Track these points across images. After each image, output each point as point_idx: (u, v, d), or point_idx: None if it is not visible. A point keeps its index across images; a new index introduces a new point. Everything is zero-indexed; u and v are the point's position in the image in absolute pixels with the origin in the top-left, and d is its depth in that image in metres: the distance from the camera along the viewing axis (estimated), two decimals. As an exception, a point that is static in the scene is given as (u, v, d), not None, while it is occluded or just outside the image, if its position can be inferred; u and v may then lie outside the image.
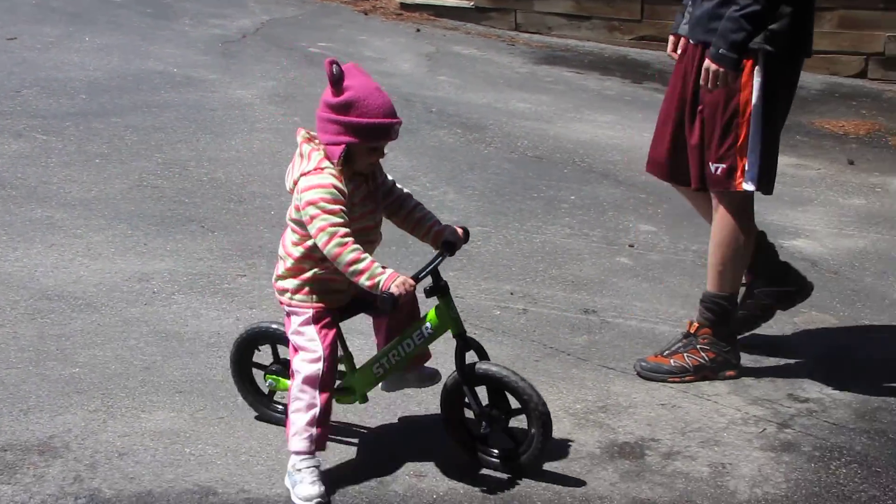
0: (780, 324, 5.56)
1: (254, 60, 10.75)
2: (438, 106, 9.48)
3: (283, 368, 4.38)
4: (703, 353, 5.01)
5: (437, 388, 4.30)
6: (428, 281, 4.05)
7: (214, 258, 6.12)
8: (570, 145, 8.48)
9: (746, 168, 4.85)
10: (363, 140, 3.91)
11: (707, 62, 4.68)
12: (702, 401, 4.83)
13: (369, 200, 4.08)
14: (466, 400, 4.13)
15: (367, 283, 3.83)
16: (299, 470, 3.98)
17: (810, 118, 9.45)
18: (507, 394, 4.11)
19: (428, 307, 4.16)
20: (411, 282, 3.85)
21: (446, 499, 4.02)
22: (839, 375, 5.14)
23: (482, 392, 4.15)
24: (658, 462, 4.33)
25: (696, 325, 5.08)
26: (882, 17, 9.95)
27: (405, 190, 4.29)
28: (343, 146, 3.88)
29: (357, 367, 4.31)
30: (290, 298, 4.08)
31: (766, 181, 4.93)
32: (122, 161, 7.58)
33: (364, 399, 4.33)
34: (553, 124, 9.03)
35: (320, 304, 4.07)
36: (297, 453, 4.00)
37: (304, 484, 3.95)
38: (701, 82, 4.78)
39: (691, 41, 4.97)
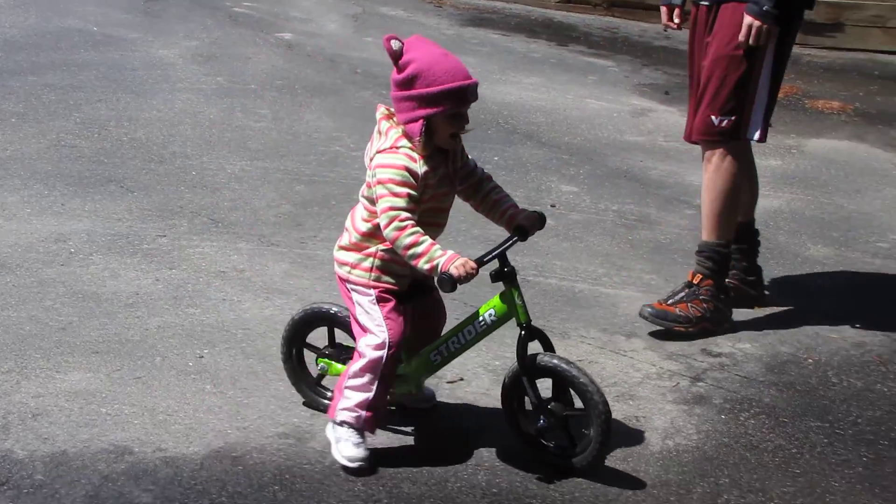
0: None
1: (177, 20, 10.72)
2: (364, 67, 9.50)
3: (336, 352, 4.30)
4: (704, 305, 5.15)
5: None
6: (494, 265, 3.95)
7: (133, 218, 6.12)
8: (495, 107, 8.53)
9: (753, 119, 5.09)
10: (439, 108, 3.75)
11: (749, 19, 4.84)
12: (618, 356, 4.91)
13: (445, 182, 3.93)
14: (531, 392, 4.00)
15: (426, 267, 3.73)
16: (344, 427, 3.97)
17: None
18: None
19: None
20: (472, 264, 3.73)
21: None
22: (751, 331, 5.24)
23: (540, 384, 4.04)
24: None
25: (698, 275, 5.20)
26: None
27: (486, 172, 4.16)
28: (422, 121, 3.75)
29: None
30: (349, 272, 3.98)
31: (766, 130, 5.20)
32: (39, 120, 7.58)
33: (418, 388, 4.25)
34: (479, 86, 9.03)
35: (380, 284, 3.96)
36: (343, 423, 3.97)
37: (348, 443, 3.94)
38: (741, 38, 4.91)
39: (704, 3, 5.14)
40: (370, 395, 3.91)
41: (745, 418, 4.48)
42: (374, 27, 11.08)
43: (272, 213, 6.29)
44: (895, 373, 4.94)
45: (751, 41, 4.89)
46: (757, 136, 5.19)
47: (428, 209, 3.89)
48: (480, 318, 4.03)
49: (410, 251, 3.72)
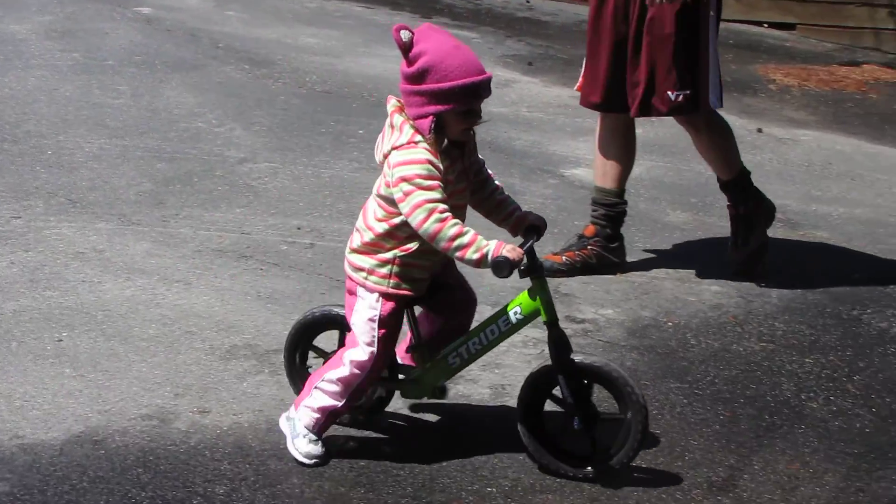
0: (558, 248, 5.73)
1: (29, -7, 10.51)
2: (226, 41, 9.42)
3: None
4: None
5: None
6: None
7: (-14, 200, 5.98)
8: (359, 80, 8.51)
9: (711, 88, 5.27)
10: (451, 105, 3.62)
11: None
12: (484, 323, 4.93)
13: (462, 177, 3.81)
14: (558, 393, 3.88)
15: (475, 257, 3.59)
16: (300, 423, 3.88)
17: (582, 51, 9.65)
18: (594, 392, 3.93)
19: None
20: (520, 249, 3.63)
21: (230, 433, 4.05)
22: (613, 297, 5.34)
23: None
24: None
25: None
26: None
27: (488, 172, 4.00)
28: (431, 117, 3.60)
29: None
30: (365, 278, 3.80)
31: (722, 95, 5.43)
32: None
33: (431, 394, 4.05)
34: (342, 59, 9.04)
35: (398, 292, 3.80)
36: (308, 427, 3.88)
37: (305, 440, 3.86)
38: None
39: None
40: (337, 404, 3.83)
41: (609, 383, 4.55)
42: (235, 1, 10.95)
43: (132, 191, 6.19)
44: (750, 333, 5.10)
45: (658, 7, 5.08)
46: (718, 104, 5.40)
47: (451, 206, 3.68)
48: (505, 317, 3.89)
49: (455, 242, 3.58)
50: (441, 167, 3.63)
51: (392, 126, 3.73)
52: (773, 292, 5.48)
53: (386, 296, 3.77)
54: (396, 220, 3.69)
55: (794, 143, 6.22)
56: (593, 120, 7.81)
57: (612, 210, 5.59)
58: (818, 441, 4.26)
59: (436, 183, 3.60)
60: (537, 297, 3.80)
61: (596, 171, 5.69)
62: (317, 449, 3.87)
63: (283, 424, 3.92)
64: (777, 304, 5.38)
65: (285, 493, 3.72)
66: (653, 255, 5.86)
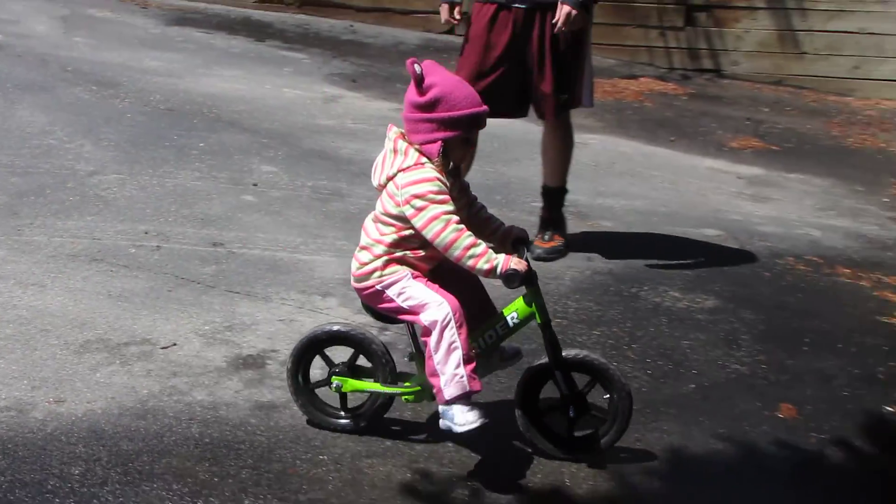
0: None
1: None
2: (74, 65, 9.16)
3: (347, 369, 4.00)
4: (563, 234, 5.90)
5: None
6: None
7: None
8: (200, 98, 8.40)
9: (584, 92, 5.67)
10: (457, 132, 3.67)
11: (568, 9, 5.20)
12: (315, 314, 4.95)
13: (462, 196, 3.84)
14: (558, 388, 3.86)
15: (486, 267, 3.61)
16: (452, 407, 3.70)
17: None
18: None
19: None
20: (525, 262, 3.68)
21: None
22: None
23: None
24: (278, 370, 4.41)
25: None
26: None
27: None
28: (440, 143, 3.64)
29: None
30: (381, 276, 3.75)
31: (592, 98, 5.90)
32: None
33: (431, 397, 3.88)
34: (183, 79, 8.92)
35: (409, 269, 3.77)
36: (454, 400, 3.68)
37: (459, 414, 3.69)
38: (560, 24, 5.26)
39: (521, 6, 5.39)
40: (459, 350, 3.66)
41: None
42: (82, 28, 10.72)
43: (-12, 204, 6.02)
44: (551, 309, 5.08)
45: (567, 27, 5.26)
46: (590, 103, 5.82)
47: None
48: (502, 322, 3.86)
49: (470, 251, 3.60)
50: (448, 185, 3.66)
51: (396, 151, 3.71)
52: (567, 275, 5.57)
53: (409, 273, 3.75)
54: (406, 233, 3.69)
55: (583, 145, 6.34)
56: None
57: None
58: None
59: (447, 197, 3.62)
60: (532, 303, 3.80)
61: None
62: (474, 414, 3.70)
63: (443, 423, 3.75)
64: (569, 286, 5.48)
65: (136, 470, 3.68)
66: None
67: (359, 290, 3.86)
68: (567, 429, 3.93)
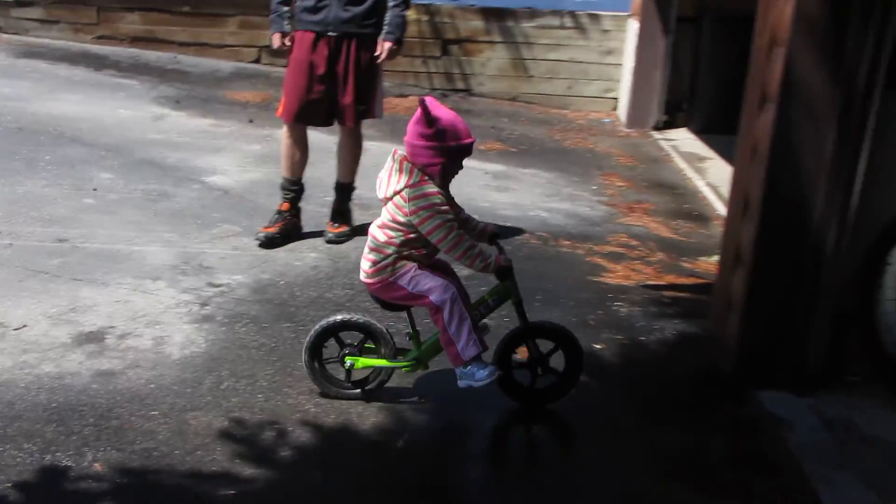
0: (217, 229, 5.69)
1: None
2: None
3: (356, 349, 4.00)
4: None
5: None
6: None
7: None
8: (46, 118, 8.06)
9: (377, 105, 5.81)
10: (456, 158, 3.74)
11: (389, 45, 5.50)
12: (147, 295, 4.86)
13: (453, 205, 3.84)
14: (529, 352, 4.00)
15: (482, 265, 3.74)
16: (468, 365, 3.80)
17: (224, 92, 9.58)
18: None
19: None
20: (508, 260, 3.83)
21: None
22: (241, 266, 5.32)
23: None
24: (115, 342, 4.34)
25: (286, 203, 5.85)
26: (265, 21, 10.31)
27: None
28: (440, 165, 3.69)
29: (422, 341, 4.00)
30: (393, 270, 3.80)
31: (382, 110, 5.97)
32: None
33: (426, 367, 4.04)
34: (31, 103, 8.54)
35: (414, 262, 3.82)
36: (473, 359, 3.78)
37: (480, 371, 3.79)
38: (384, 56, 5.55)
39: (333, 34, 5.50)
40: (468, 321, 3.77)
41: (239, 327, 4.59)
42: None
43: None
44: (337, 284, 5.22)
45: (388, 58, 5.55)
46: (381, 115, 5.91)
47: None
48: (484, 304, 3.93)
49: (469, 252, 3.71)
50: (446, 198, 3.73)
51: (401, 170, 3.71)
52: (353, 254, 5.57)
53: (415, 265, 3.81)
54: (412, 236, 3.74)
55: (365, 151, 6.28)
56: (226, 141, 7.90)
57: (297, 192, 5.88)
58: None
59: (447, 208, 3.70)
60: (508, 289, 3.90)
61: (285, 166, 5.85)
62: (488, 369, 3.83)
63: (461, 382, 3.84)
64: (354, 262, 5.32)
65: (-12, 434, 3.60)
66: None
67: (370, 285, 3.90)
68: (531, 384, 4.04)
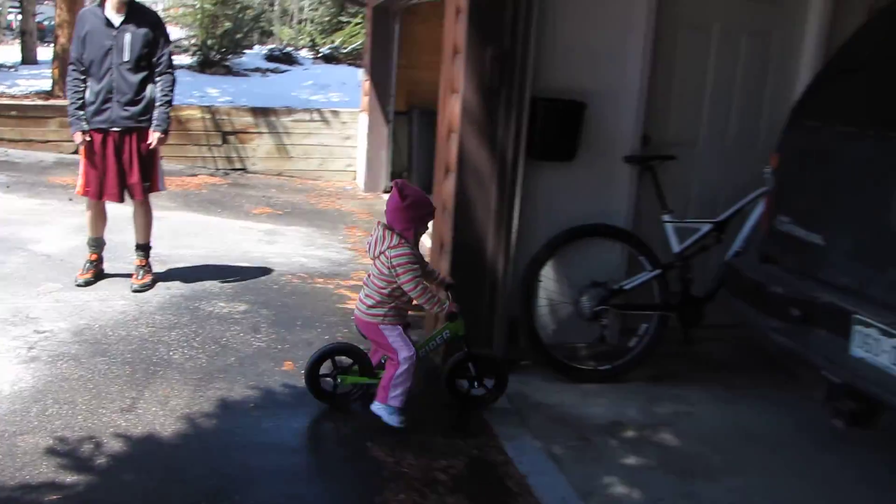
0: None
1: None
2: None
3: (345, 369, 3.96)
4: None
5: None
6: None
7: None
8: None
9: (159, 180, 5.54)
10: (424, 224, 3.77)
11: (158, 135, 5.31)
12: (-18, 344, 4.44)
13: (421, 262, 3.79)
14: (468, 370, 4.04)
15: (438, 309, 3.82)
16: (388, 407, 3.80)
17: (47, 178, 8.86)
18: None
19: None
20: (455, 305, 3.85)
21: None
22: (62, 314, 4.92)
23: None
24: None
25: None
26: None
27: None
28: (413, 230, 3.71)
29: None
30: (384, 320, 3.76)
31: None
32: None
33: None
34: None
35: (402, 322, 3.80)
36: (396, 407, 3.80)
37: (394, 417, 3.81)
38: (154, 144, 5.33)
39: (117, 130, 5.28)
40: (408, 385, 3.79)
41: (61, 364, 4.23)
42: None
43: None
44: (141, 323, 4.93)
45: (160, 145, 5.35)
46: (164, 188, 5.70)
47: None
48: (440, 336, 3.96)
49: (430, 299, 3.75)
50: (417, 255, 3.74)
51: (384, 236, 3.71)
52: (154, 300, 5.32)
53: (397, 324, 3.79)
54: (393, 286, 3.72)
55: (165, 218, 6.11)
56: (49, 217, 7.32)
57: (100, 246, 5.67)
58: (178, 374, 4.24)
59: (417, 265, 3.71)
60: (458, 325, 3.93)
61: (90, 228, 5.63)
62: (402, 417, 3.82)
63: (378, 409, 3.83)
64: (156, 305, 5.24)
65: None
66: (87, 287, 5.49)
67: (360, 319, 3.84)
68: (467, 393, 4.08)
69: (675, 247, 4.56)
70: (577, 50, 4.44)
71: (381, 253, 3.71)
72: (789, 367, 3.45)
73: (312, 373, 3.93)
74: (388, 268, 3.68)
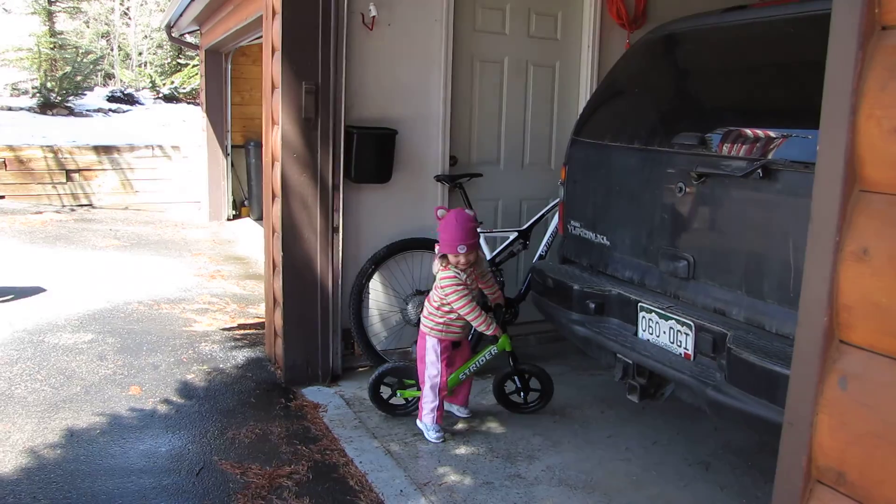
0: None
1: None
2: None
3: (402, 385, 3.84)
4: None
5: None
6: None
7: None
8: None
9: None
10: (470, 250, 3.51)
11: None
12: None
13: (474, 278, 3.60)
14: (514, 382, 3.92)
15: (485, 327, 3.56)
16: (427, 422, 3.64)
17: None
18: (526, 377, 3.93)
19: None
20: (498, 327, 3.64)
21: None
22: None
23: None
24: None
25: None
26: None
27: (490, 272, 3.85)
28: (462, 256, 3.50)
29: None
30: (430, 330, 3.59)
31: None
32: None
33: (451, 393, 3.76)
34: None
35: (446, 338, 3.60)
36: (430, 424, 3.64)
37: (433, 431, 3.62)
38: None
39: None
40: (436, 403, 3.62)
41: None
42: None
43: None
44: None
45: None
46: None
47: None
48: (488, 351, 3.76)
49: (476, 319, 3.52)
50: (463, 277, 3.53)
51: (439, 262, 3.59)
52: (-7, 339, 4.74)
53: (439, 339, 3.61)
54: (445, 306, 3.56)
55: (9, 254, 5.45)
56: None
57: None
58: (21, 408, 3.75)
59: (463, 286, 3.52)
60: (505, 342, 3.76)
61: None
62: (440, 433, 3.65)
63: (419, 424, 3.70)
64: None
65: None
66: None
67: (420, 331, 3.70)
68: (518, 401, 3.96)
69: (488, 254, 4.56)
70: (386, 82, 4.37)
71: (437, 277, 3.63)
72: (590, 353, 3.48)
73: (375, 386, 3.86)
74: (439, 288, 3.59)
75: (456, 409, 3.88)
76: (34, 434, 3.49)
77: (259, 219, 9.54)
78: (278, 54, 3.99)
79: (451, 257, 3.51)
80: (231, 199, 9.82)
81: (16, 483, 3.10)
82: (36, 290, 5.87)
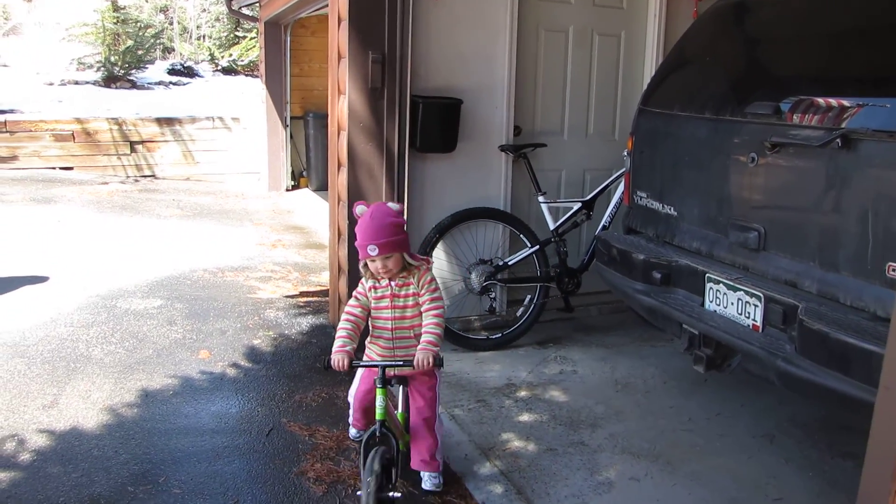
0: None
1: None
2: None
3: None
4: None
5: None
6: None
7: None
8: None
9: None
10: (361, 256, 2.73)
11: None
12: None
13: (386, 299, 2.77)
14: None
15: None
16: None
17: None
18: None
19: None
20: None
21: None
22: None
23: None
24: None
25: None
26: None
27: (430, 304, 2.72)
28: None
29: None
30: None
31: None
32: None
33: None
34: None
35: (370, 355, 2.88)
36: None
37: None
38: None
39: None
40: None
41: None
42: None
43: None
44: (62, 323, 4.56)
45: None
46: None
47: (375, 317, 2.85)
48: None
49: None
50: (366, 288, 2.81)
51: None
52: (71, 301, 4.94)
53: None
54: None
55: (79, 223, 5.70)
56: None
57: None
58: (99, 369, 3.94)
59: (356, 299, 2.82)
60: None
61: None
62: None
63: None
64: (74, 306, 4.87)
65: None
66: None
67: None
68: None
69: (551, 224, 4.58)
70: (452, 52, 4.39)
71: None
72: (655, 323, 3.49)
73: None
74: None
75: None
76: (112, 393, 3.67)
77: (318, 189, 9.70)
78: (345, 24, 4.05)
79: (369, 264, 2.74)
80: (290, 170, 10.00)
81: (99, 437, 3.29)
82: (107, 257, 6.11)
